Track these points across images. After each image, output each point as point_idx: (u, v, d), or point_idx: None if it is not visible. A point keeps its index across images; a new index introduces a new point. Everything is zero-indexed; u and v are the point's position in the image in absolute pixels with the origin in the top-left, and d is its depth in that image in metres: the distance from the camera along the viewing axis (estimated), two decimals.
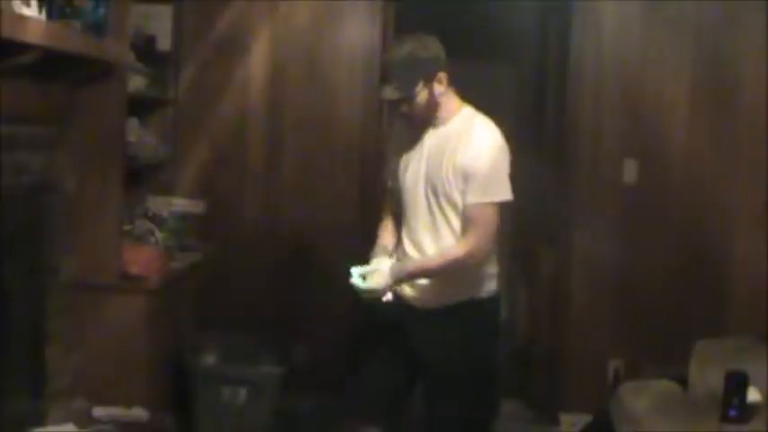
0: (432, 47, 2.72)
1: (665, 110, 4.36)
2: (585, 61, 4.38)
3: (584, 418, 4.06)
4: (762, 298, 4.13)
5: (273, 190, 4.45)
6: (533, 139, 4.89)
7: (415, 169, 2.80)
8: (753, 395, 3.23)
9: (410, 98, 2.69)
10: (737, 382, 3.20)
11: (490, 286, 2.86)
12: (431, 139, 2.79)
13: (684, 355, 3.67)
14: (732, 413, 3.19)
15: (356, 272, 2.72)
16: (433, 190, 2.75)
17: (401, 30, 4.58)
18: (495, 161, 2.72)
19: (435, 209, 2.76)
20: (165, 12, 4.20)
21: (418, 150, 2.81)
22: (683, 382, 3.62)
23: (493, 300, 2.87)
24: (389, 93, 2.70)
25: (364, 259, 2.82)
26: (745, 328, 4.00)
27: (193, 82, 4.40)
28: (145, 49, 3.99)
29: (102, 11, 3.02)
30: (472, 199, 2.69)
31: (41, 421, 3.08)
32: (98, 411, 3.25)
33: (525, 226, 4.71)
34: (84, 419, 3.16)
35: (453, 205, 2.73)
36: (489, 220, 2.71)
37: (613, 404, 3.65)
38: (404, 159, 2.85)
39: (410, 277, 2.76)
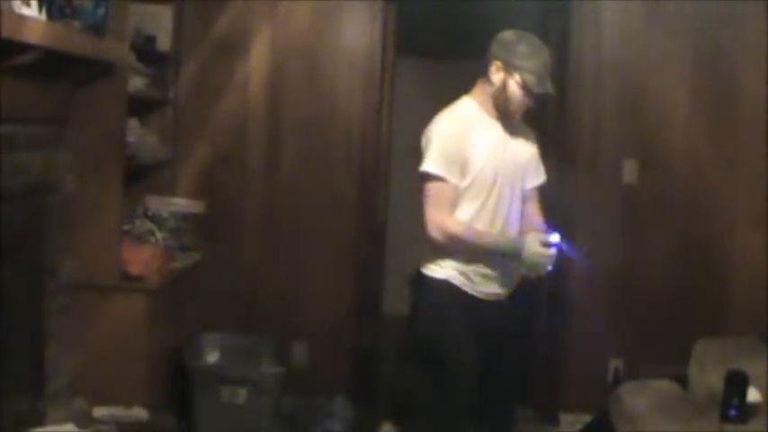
0: None
1: (665, 110, 4.36)
2: (585, 61, 4.38)
3: (584, 418, 4.06)
4: (762, 298, 4.14)
5: (273, 190, 4.44)
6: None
7: (498, 159, 2.87)
8: (753, 395, 3.23)
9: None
10: (737, 382, 3.21)
11: None
12: (507, 130, 2.92)
13: (684, 355, 3.67)
14: (732, 413, 3.19)
15: (536, 239, 2.80)
16: (520, 176, 2.96)
17: (401, 30, 4.61)
18: None
19: (519, 194, 2.96)
20: (165, 12, 4.20)
21: (494, 142, 2.88)
22: (683, 382, 3.63)
23: None
24: (551, 87, 2.88)
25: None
26: (745, 328, 4.00)
27: (193, 82, 4.40)
28: (145, 49, 3.99)
29: (102, 11, 3.01)
30: (541, 179, 3.06)
31: (41, 421, 3.08)
32: (98, 411, 3.25)
33: None
34: (84, 419, 3.15)
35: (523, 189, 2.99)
36: None
37: (613, 404, 3.65)
38: (479, 153, 2.84)
39: None
